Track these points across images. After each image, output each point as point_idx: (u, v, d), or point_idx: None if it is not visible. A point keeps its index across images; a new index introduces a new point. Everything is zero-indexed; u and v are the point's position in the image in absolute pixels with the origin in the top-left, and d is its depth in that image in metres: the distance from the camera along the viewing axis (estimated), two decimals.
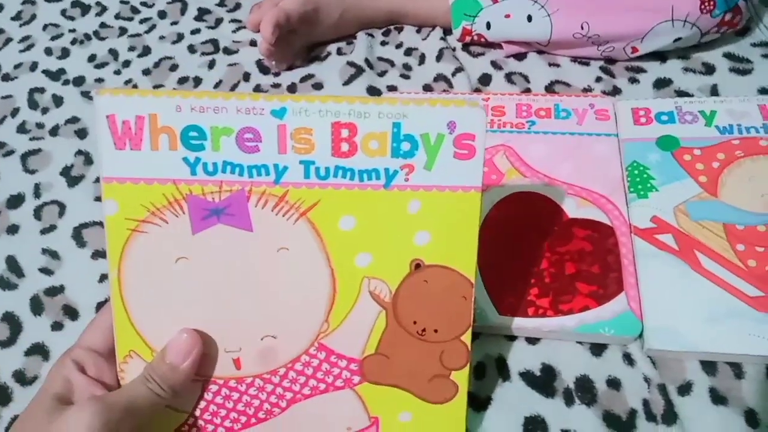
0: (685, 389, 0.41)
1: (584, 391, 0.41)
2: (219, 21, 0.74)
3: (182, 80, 0.67)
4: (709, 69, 0.58)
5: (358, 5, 0.67)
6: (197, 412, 0.37)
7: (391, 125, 0.33)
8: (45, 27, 0.75)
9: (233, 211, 0.34)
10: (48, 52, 0.72)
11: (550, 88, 0.59)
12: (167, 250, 0.35)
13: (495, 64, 0.62)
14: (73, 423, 0.31)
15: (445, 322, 0.36)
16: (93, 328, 0.37)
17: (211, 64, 0.68)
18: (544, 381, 0.42)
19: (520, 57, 0.63)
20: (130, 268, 0.35)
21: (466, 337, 0.36)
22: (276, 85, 0.65)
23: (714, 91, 0.56)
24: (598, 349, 0.43)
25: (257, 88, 0.64)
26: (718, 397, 0.40)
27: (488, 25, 0.62)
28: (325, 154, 0.33)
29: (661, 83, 0.58)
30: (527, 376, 0.42)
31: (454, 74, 0.61)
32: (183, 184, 0.34)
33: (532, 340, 0.44)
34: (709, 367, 0.41)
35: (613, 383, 0.42)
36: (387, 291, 0.36)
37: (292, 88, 0.64)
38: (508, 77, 0.61)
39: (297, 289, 0.36)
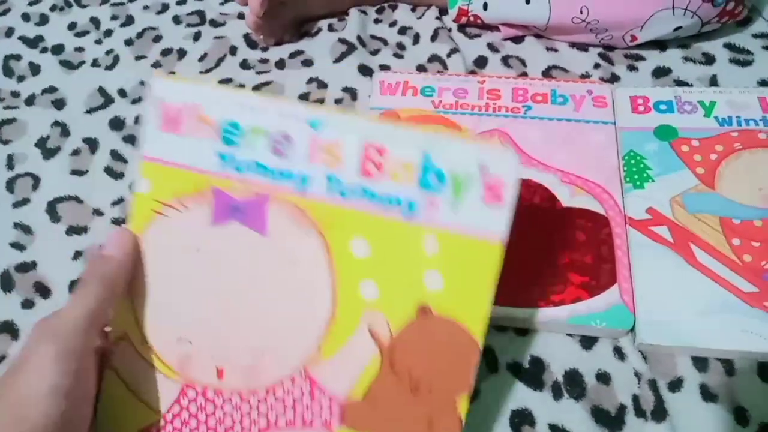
0: (675, 385, 0.40)
1: (573, 384, 0.40)
2: None
3: (166, 51, 0.64)
4: (709, 59, 0.57)
5: None
6: (169, 417, 0.35)
7: (422, 155, 0.32)
8: None
9: (252, 212, 0.34)
10: (25, 17, 0.69)
11: (547, 73, 0.58)
12: (182, 238, 0.35)
13: (491, 47, 0.61)
14: (36, 356, 0.29)
15: (441, 382, 0.33)
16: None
17: (197, 36, 0.65)
18: (532, 373, 0.41)
19: (517, 40, 0.61)
20: (146, 249, 0.35)
21: (462, 406, 0.33)
22: (264, 60, 0.62)
23: (713, 82, 0.55)
24: (588, 341, 0.42)
25: (244, 63, 0.62)
26: (708, 394, 0.39)
27: (485, 6, 0.60)
28: (351, 171, 0.33)
29: (660, 72, 0.56)
30: (515, 368, 0.41)
31: (449, 55, 0.60)
32: (211, 176, 0.34)
33: (521, 331, 0.43)
34: (700, 363, 0.41)
35: (603, 377, 0.41)
36: (387, 331, 0.33)
37: (280, 64, 0.62)
38: (505, 60, 0.59)
39: (296, 306, 0.34)
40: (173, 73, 0.62)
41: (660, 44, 0.58)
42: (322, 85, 0.59)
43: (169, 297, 0.35)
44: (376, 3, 0.67)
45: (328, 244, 0.33)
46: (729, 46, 0.57)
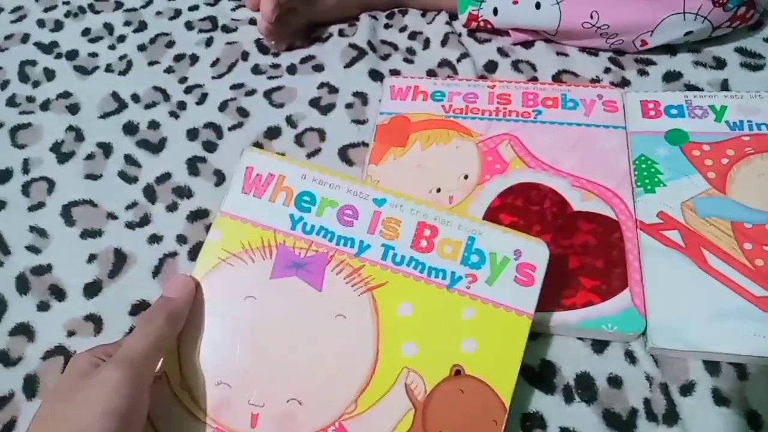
0: (687, 389, 0.40)
1: (584, 388, 0.40)
2: None
3: (178, 57, 0.65)
4: (720, 63, 0.57)
5: None
6: None
7: (467, 237, 0.38)
8: None
9: (312, 269, 0.38)
10: (40, 24, 0.70)
11: (557, 78, 0.58)
12: (243, 285, 0.38)
13: (501, 51, 0.61)
14: (103, 379, 0.31)
15: None
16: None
17: (209, 42, 0.66)
18: (543, 377, 0.41)
19: (527, 45, 0.61)
20: (204, 293, 0.38)
21: None
22: (275, 66, 0.63)
23: (724, 86, 0.55)
24: (599, 345, 0.42)
25: (256, 68, 0.63)
26: (720, 398, 0.39)
27: (495, 11, 0.60)
28: (405, 244, 0.38)
29: (670, 76, 0.56)
30: (526, 372, 0.41)
31: (459, 60, 0.60)
32: (281, 234, 0.39)
33: (532, 335, 0.42)
34: (712, 367, 0.41)
35: (614, 381, 0.41)
36: (422, 389, 0.35)
37: (291, 69, 0.62)
38: (515, 65, 0.59)
39: (340, 359, 0.36)
40: (186, 78, 0.62)
41: (670, 49, 0.58)
42: (333, 90, 0.60)
43: (216, 340, 0.37)
44: (386, 8, 0.67)
45: (378, 304, 0.37)
46: (740, 51, 0.57)
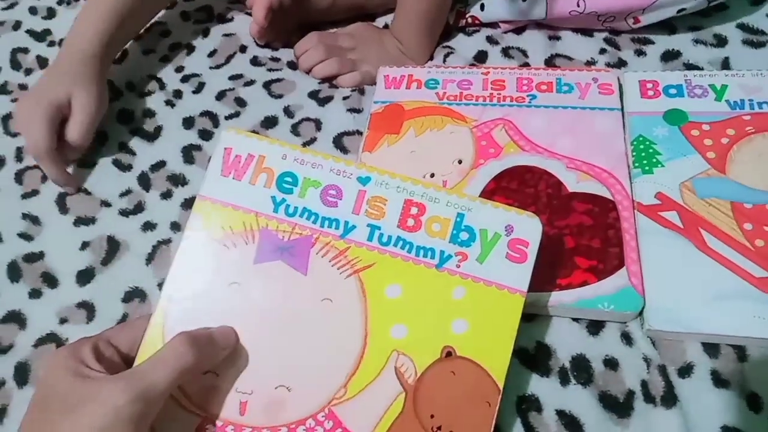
0: (685, 371, 0.39)
1: (580, 370, 0.40)
2: None
3: (174, 46, 0.64)
4: (720, 41, 0.55)
5: None
6: None
7: (456, 214, 0.37)
8: None
9: (296, 253, 0.37)
10: (33, 11, 0.70)
11: (550, 63, 0.57)
12: (226, 271, 0.37)
13: (491, 40, 0.60)
14: (112, 409, 0.29)
15: (462, 425, 0.34)
16: (124, 328, 0.37)
17: (205, 33, 0.65)
18: (538, 359, 0.40)
19: (518, 31, 0.60)
20: (187, 281, 0.37)
21: None
22: (275, 59, 0.62)
23: (725, 65, 0.54)
24: (595, 327, 0.41)
25: (254, 60, 0.62)
26: (719, 380, 0.39)
27: (482, 7, 0.59)
28: (391, 223, 0.37)
29: (669, 55, 0.55)
30: (521, 354, 0.41)
31: (444, 60, 0.59)
32: (263, 218, 0.37)
33: (527, 317, 0.42)
34: (711, 348, 0.40)
35: (611, 363, 0.40)
36: (413, 372, 0.35)
37: (292, 65, 0.61)
38: (505, 52, 0.58)
39: (328, 344, 0.36)
40: (182, 67, 0.62)
41: (669, 27, 0.57)
42: (333, 84, 0.59)
43: (202, 327, 0.36)
44: (378, 10, 0.66)
45: (364, 286, 0.36)
46: (742, 27, 0.56)
